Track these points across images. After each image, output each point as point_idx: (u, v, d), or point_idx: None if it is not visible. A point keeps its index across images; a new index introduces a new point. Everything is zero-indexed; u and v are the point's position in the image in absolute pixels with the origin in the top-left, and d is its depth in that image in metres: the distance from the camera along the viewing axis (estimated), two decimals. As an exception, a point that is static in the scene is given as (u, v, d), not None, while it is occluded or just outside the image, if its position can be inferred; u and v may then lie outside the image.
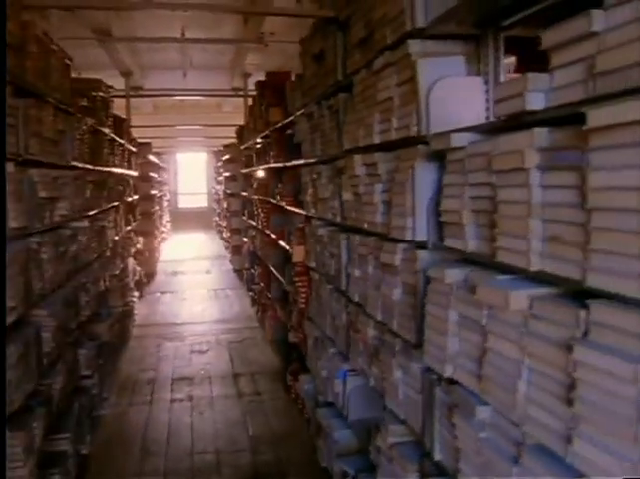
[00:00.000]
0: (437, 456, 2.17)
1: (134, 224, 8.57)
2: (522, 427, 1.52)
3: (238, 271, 11.13)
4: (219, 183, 15.62)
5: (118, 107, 11.59)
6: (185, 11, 8.67)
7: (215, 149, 17.24)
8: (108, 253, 5.88)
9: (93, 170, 5.13)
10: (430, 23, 2.14)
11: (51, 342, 3.41)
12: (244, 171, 9.06)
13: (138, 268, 8.73)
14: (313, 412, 4.19)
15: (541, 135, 1.43)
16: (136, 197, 9.04)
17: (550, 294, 1.47)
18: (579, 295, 1.35)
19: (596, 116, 1.19)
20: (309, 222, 4.27)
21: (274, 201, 6.08)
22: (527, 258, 1.50)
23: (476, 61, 2.25)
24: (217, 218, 16.74)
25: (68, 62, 4.35)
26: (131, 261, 7.89)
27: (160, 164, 14.94)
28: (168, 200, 18.91)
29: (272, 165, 6.20)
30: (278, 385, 5.81)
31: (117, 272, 6.51)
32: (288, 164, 5.14)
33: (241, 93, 11.26)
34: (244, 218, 9.65)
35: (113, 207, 6.44)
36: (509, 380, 1.56)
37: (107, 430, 4.91)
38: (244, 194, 9.60)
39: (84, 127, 4.75)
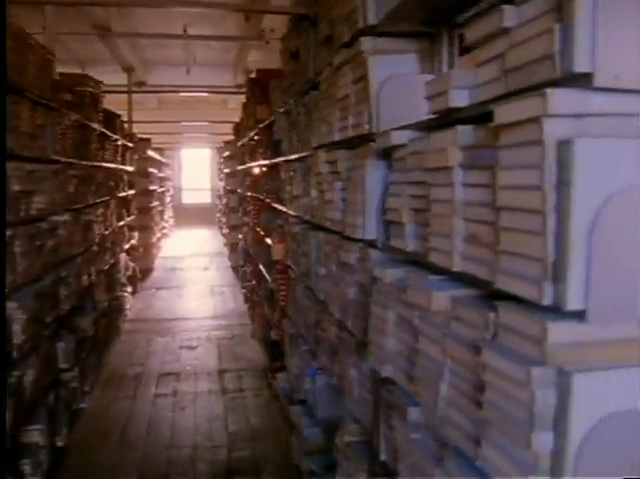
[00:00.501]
0: (383, 456, 2.17)
1: (128, 219, 8.58)
2: (442, 429, 1.50)
3: (235, 268, 11.15)
4: (221, 179, 15.65)
5: (120, 102, 11.69)
6: (180, 7, 8.71)
7: (218, 145, 17.26)
8: (95, 248, 5.89)
9: (78, 165, 5.14)
10: (381, 20, 2.13)
11: (21, 335, 3.42)
12: (240, 168, 9.07)
13: (132, 263, 8.75)
14: (287, 409, 4.19)
15: (463, 133, 1.41)
16: (131, 192, 9.05)
17: (469, 296, 1.46)
18: (499, 297, 1.34)
19: (501, 113, 1.18)
20: (288, 219, 4.27)
21: (262, 198, 6.08)
22: (451, 259, 1.48)
23: (430, 59, 2.23)
24: (219, 214, 16.76)
25: (50, 57, 4.36)
26: (123, 256, 7.91)
27: (162, 160, 14.96)
28: (171, 196, 18.96)
29: (261, 162, 6.20)
30: (262, 382, 5.81)
31: (106, 267, 6.52)
32: (273, 161, 5.13)
33: (243, 90, 11.26)
34: (240, 215, 9.66)
35: (103, 202, 6.46)
36: (433, 382, 1.55)
37: (86, 423, 4.93)
38: (240, 191, 9.61)
39: (67, 122, 4.76)
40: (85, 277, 5.24)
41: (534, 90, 1.08)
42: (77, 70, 10.90)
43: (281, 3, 7.35)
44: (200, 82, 12.97)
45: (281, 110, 4.32)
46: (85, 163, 5.44)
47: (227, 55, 12.41)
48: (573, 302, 1.03)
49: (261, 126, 5.99)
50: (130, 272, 8.55)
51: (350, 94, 2.40)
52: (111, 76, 11.90)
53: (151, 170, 11.69)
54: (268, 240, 5.68)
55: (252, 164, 7.24)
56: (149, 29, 10.50)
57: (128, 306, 8.25)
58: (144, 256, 10.50)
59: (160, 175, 14.56)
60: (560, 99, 1.02)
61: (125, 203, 8.35)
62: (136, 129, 12.72)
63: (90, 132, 5.74)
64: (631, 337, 1.08)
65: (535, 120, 1.06)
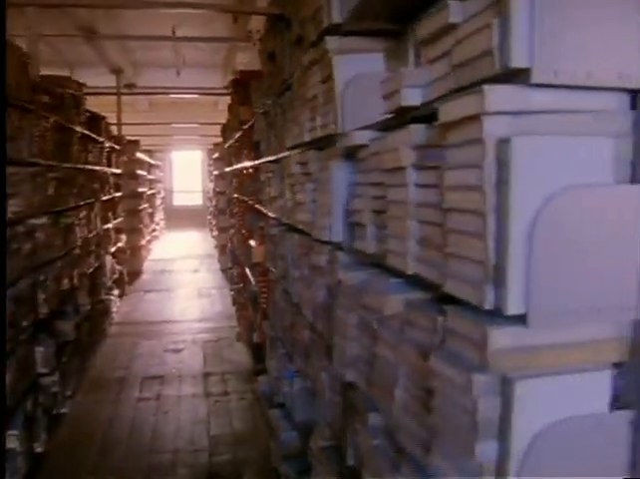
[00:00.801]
0: (350, 461, 2.13)
1: (115, 221, 8.53)
2: (397, 435, 1.47)
3: (224, 270, 11.10)
4: (211, 181, 15.60)
5: (111, 104, 11.64)
6: (167, 8, 8.66)
7: (209, 147, 17.21)
8: (78, 251, 5.84)
9: (58, 167, 5.09)
10: (346, 19, 2.09)
11: (-5, 339, 3.38)
12: (227, 169, 9.03)
13: (118, 266, 8.69)
14: (267, 413, 4.16)
15: (415, 132, 1.38)
16: (118, 194, 8.99)
17: (421, 299, 1.42)
18: (452, 301, 1.30)
19: (444, 112, 1.14)
20: (268, 221, 4.24)
21: (247, 200, 6.04)
22: (406, 261, 1.45)
23: (396, 57, 2.20)
24: (210, 216, 16.71)
25: (27, 59, 4.32)
26: (109, 259, 7.85)
27: (152, 162, 14.90)
28: (162, 198, 18.89)
29: (245, 164, 6.16)
30: (246, 385, 5.77)
31: (90, 270, 6.47)
32: (255, 163, 5.10)
33: (231, 91, 11.22)
34: (227, 216, 9.62)
35: (86, 204, 6.41)
36: (389, 387, 1.52)
37: (67, 428, 4.88)
38: (228, 192, 9.57)
39: (46, 124, 4.71)
40: (66, 281, 5.19)
41: (477, 87, 1.04)
42: (66, 72, 10.85)
43: (265, 4, 7.35)
44: (191, 83, 12.94)
45: (260, 111, 4.29)
46: (66, 165, 5.39)
47: (217, 56, 12.38)
48: (514, 306, 1.00)
49: (245, 127, 5.95)
50: (116, 275, 8.50)
51: (318, 94, 2.37)
52: (100, 78, 11.86)
53: (139, 172, 11.62)
54: (252, 243, 5.64)
55: (238, 165, 7.21)
56: (136, 31, 10.45)
57: (114, 310, 8.19)
58: (132, 259, 10.45)
59: (150, 177, 14.50)
60: (498, 96, 0.99)
61: (111, 205, 8.30)
62: (126, 131, 12.66)
63: (71, 134, 5.69)
64: (575, 342, 1.05)
65: (475, 118, 1.03)
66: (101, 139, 7.52)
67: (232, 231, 8.33)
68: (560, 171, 1.00)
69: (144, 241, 11.98)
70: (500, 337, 1.03)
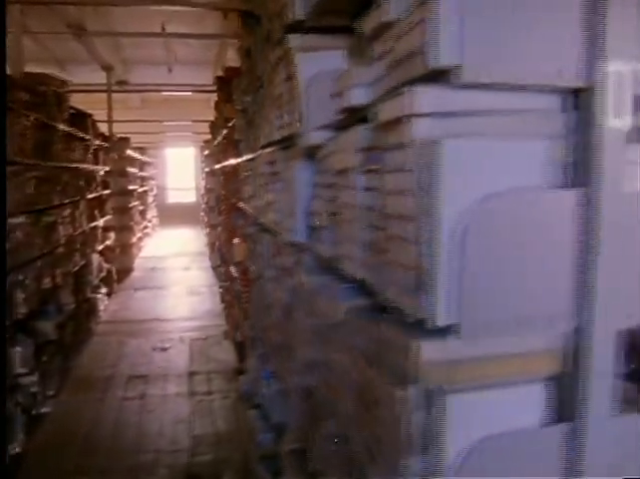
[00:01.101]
0: (315, 466, 2.10)
1: (103, 219, 8.47)
2: (349, 443, 1.44)
3: (215, 268, 11.05)
4: (203, 178, 15.54)
5: (101, 101, 11.57)
6: (156, 5, 8.61)
7: (201, 144, 17.14)
8: (61, 249, 5.79)
9: (39, 166, 5.04)
10: (309, 15, 2.05)
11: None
12: (216, 167, 8.98)
13: (107, 264, 8.64)
14: (246, 413, 4.12)
15: (360, 134, 1.34)
16: (106, 192, 8.94)
17: (366, 306, 1.38)
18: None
19: (380, 112, 1.11)
20: (247, 220, 4.20)
21: (231, 197, 6.00)
22: (355, 266, 1.41)
23: (359, 55, 2.15)
24: (203, 213, 16.64)
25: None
26: (96, 257, 7.80)
27: (144, 159, 14.84)
28: (155, 195, 18.82)
29: (230, 162, 6.12)
30: (231, 385, 5.73)
31: (74, 269, 6.42)
32: (237, 161, 5.05)
33: (216, 89, 11.16)
34: (216, 214, 9.57)
35: (70, 202, 6.35)
36: (342, 394, 1.48)
37: (49, 428, 4.84)
38: (217, 190, 9.52)
39: (26, 122, 4.66)
40: (47, 280, 5.14)
41: (408, 87, 1.00)
42: (56, 69, 10.78)
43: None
44: (183, 80, 12.88)
45: (240, 108, 4.25)
46: (48, 164, 5.34)
47: (209, 53, 12.31)
48: (444, 317, 0.96)
49: (230, 125, 5.91)
50: (104, 274, 8.44)
51: (284, 92, 2.32)
52: (92, 75, 11.80)
53: (130, 169, 11.56)
54: (235, 241, 5.61)
55: (225, 163, 7.16)
56: (126, 27, 10.39)
57: (102, 308, 8.15)
58: (122, 257, 10.39)
59: (143, 174, 14.43)
60: (426, 96, 0.95)
61: (98, 203, 8.24)
62: (118, 128, 12.59)
63: (53, 132, 5.64)
64: (508, 353, 1.01)
65: (405, 119, 0.99)
66: (87, 136, 7.46)
67: (220, 228, 8.28)
68: (492, 174, 0.96)
69: (134, 239, 11.92)
70: (430, 349, 0.99)
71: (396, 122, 1.04)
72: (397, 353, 1.08)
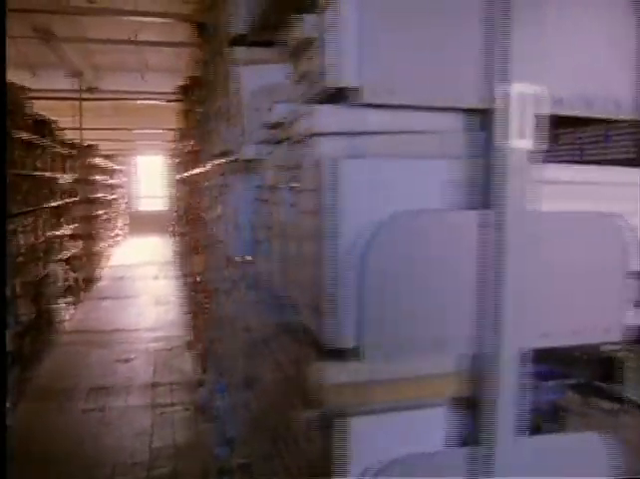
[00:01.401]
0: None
1: (68, 227, 8.36)
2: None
3: (183, 277, 10.96)
4: (173, 187, 15.43)
5: (73, 108, 11.42)
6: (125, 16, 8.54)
7: (172, 153, 17.02)
8: (21, 259, 5.70)
9: (-4, 173, 4.96)
10: (250, 30, 2.05)
11: None
12: (184, 175, 8.92)
13: (72, 274, 8.52)
14: (205, 426, 4.09)
15: (286, 150, 1.33)
16: (70, 200, 8.82)
17: (291, 324, 1.37)
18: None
19: (293, 131, 1.10)
20: (206, 230, 4.17)
21: (195, 207, 5.97)
22: (281, 283, 1.40)
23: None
24: (173, 222, 16.52)
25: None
26: (60, 267, 7.69)
27: (114, 167, 14.70)
28: (126, 203, 18.65)
29: (195, 171, 6.08)
30: (194, 396, 5.67)
31: (36, 278, 6.32)
32: (198, 171, 5.03)
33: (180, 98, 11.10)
34: (184, 223, 9.50)
35: (32, 211, 6.26)
36: (270, 412, 1.47)
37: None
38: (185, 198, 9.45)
39: (-19, 129, 4.58)
40: (6, 290, 5.04)
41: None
42: (27, 74, 10.62)
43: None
44: (155, 88, 12.78)
45: (197, 118, 4.23)
46: (7, 172, 5.25)
47: (180, 61, 12.24)
48: (346, 340, 0.95)
49: (193, 134, 5.88)
50: (70, 283, 8.33)
51: (230, 104, 2.32)
52: (64, 81, 11.66)
53: (97, 177, 11.44)
54: (198, 251, 5.58)
55: (191, 172, 7.12)
56: (96, 34, 10.30)
57: (67, 318, 8.03)
58: (88, 266, 10.26)
59: (112, 182, 14.30)
60: (329, 116, 0.95)
61: (63, 211, 8.13)
62: (89, 135, 12.45)
63: (11, 139, 5.55)
64: (413, 376, 1.01)
65: (311, 138, 0.99)
66: (50, 144, 7.37)
67: (187, 238, 8.22)
68: (394, 194, 0.97)
69: (103, 248, 11.78)
70: (333, 371, 0.98)
71: (304, 140, 1.04)
72: (305, 375, 1.07)
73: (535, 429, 1.07)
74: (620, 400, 3.02)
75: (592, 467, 1.18)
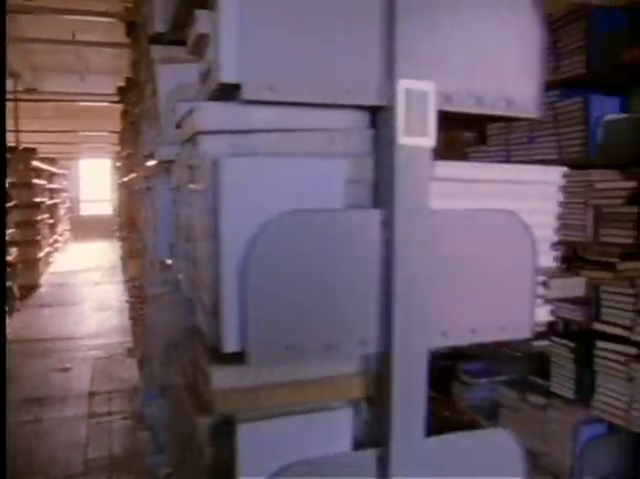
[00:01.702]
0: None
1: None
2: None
3: (126, 282, 10.75)
4: (116, 190, 15.13)
5: (7, 110, 11.06)
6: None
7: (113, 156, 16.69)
8: (-52, 266, 5.47)
9: None
10: (168, 28, 1.99)
11: None
12: (125, 179, 8.74)
13: (7, 281, 8.24)
14: (140, 435, 3.99)
15: (187, 150, 1.29)
16: (8, 205, 8.55)
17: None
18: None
19: (185, 129, 1.06)
20: (139, 234, 4.08)
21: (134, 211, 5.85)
22: (185, 285, 1.36)
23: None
24: (117, 226, 16.19)
25: None
26: (-7, 274, 7.42)
27: (54, 170, 14.32)
28: (68, 207, 18.19)
29: (132, 174, 5.96)
30: (132, 404, 5.55)
31: (-35, 286, 6.08)
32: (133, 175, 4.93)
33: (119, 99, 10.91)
34: (126, 227, 9.32)
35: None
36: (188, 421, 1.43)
37: None
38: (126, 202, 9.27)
39: None
40: None
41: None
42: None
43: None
44: (96, 89, 12.52)
45: (130, 121, 4.14)
46: None
47: (121, 62, 12.03)
48: (231, 343, 0.92)
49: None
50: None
51: (151, 105, 2.26)
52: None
53: (36, 181, 11.11)
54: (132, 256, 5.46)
55: (130, 175, 6.98)
56: (35, 33, 10.04)
57: (1, 327, 7.75)
58: (26, 273, 9.95)
59: (52, 186, 13.92)
60: (211, 113, 0.92)
61: (-3, 216, 7.86)
62: (27, 138, 12.09)
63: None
64: (311, 379, 0.98)
65: (196, 136, 0.95)
66: (-18, 147, 7.10)
67: (127, 242, 8.06)
68: (285, 194, 0.94)
69: (42, 254, 11.45)
70: (222, 376, 0.95)
71: (193, 139, 1.00)
72: (201, 379, 1.04)
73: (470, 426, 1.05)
74: (549, 395, 3.08)
75: (502, 464, 1.18)
